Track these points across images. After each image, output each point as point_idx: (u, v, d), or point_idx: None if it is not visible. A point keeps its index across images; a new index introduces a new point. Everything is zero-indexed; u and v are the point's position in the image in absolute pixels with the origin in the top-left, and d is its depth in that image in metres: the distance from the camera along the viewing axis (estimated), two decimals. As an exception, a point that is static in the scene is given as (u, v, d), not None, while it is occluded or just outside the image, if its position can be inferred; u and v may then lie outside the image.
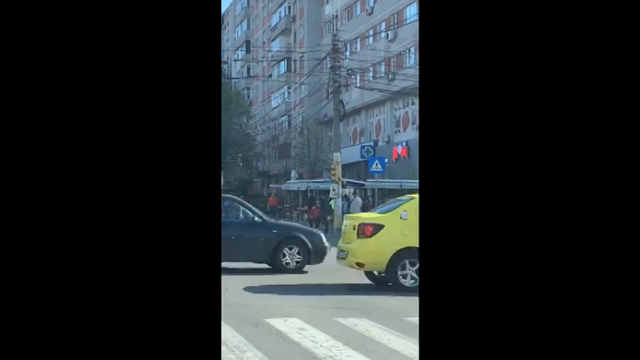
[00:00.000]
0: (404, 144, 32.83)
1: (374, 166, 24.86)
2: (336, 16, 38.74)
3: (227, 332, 6.18)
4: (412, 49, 31.96)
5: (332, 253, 15.00)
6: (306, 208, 31.78)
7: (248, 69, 57.62)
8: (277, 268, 11.41)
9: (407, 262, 9.18)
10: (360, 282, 10.19)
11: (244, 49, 58.22)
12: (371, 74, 35.52)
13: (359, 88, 33.66)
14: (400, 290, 9.02)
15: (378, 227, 9.44)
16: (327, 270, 11.46)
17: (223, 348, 5.56)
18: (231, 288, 9.09)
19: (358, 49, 37.19)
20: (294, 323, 6.76)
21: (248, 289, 9.37)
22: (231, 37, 64.04)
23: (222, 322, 6.62)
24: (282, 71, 47.97)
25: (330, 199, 26.12)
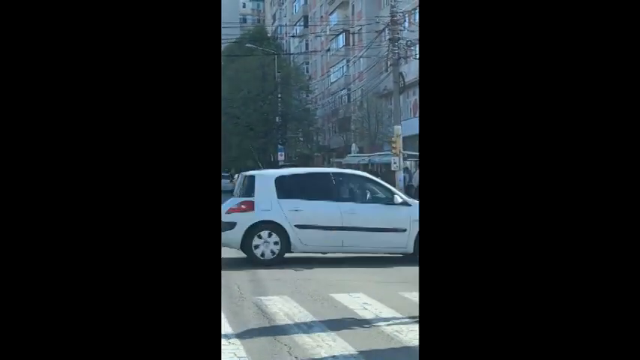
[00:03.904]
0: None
1: (435, 138, 24.56)
2: (394, -14, 38.18)
3: (293, 307, 6.28)
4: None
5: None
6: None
7: (306, 44, 57.45)
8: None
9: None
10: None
11: (302, 23, 58.08)
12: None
13: (418, 59, 33.19)
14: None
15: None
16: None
17: (291, 323, 5.65)
18: (295, 263, 9.20)
19: (417, 20, 36.65)
20: (359, 298, 6.80)
21: (313, 263, 9.46)
22: (288, 12, 63.92)
23: (289, 297, 6.74)
24: (341, 45, 47.65)
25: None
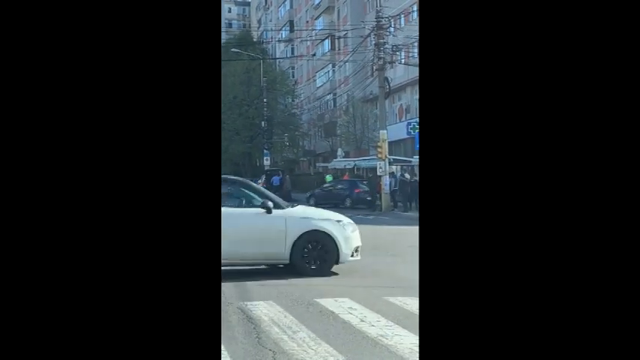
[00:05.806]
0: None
1: (421, 142, 24.66)
2: (380, -9, 38.31)
3: (279, 312, 6.27)
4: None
5: (374, 239, 15.00)
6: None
7: (292, 48, 57.50)
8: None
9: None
10: (413, 261, 10.16)
11: (288, 28, 58.13)
12: (416, 50, 35.09)
13: (404, 64, 33.30)
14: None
15: None
16: (376, 248, 11.45)
17: (276, 328, 5.64)
18: (281, 269, 9.18)
19: (402, 25, 36.78)
20: (344, 303, 6.80)
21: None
22: (274, 17, 63.93)
23: (274, 302, 6.73)
24: (326, 49, 47.75)
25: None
